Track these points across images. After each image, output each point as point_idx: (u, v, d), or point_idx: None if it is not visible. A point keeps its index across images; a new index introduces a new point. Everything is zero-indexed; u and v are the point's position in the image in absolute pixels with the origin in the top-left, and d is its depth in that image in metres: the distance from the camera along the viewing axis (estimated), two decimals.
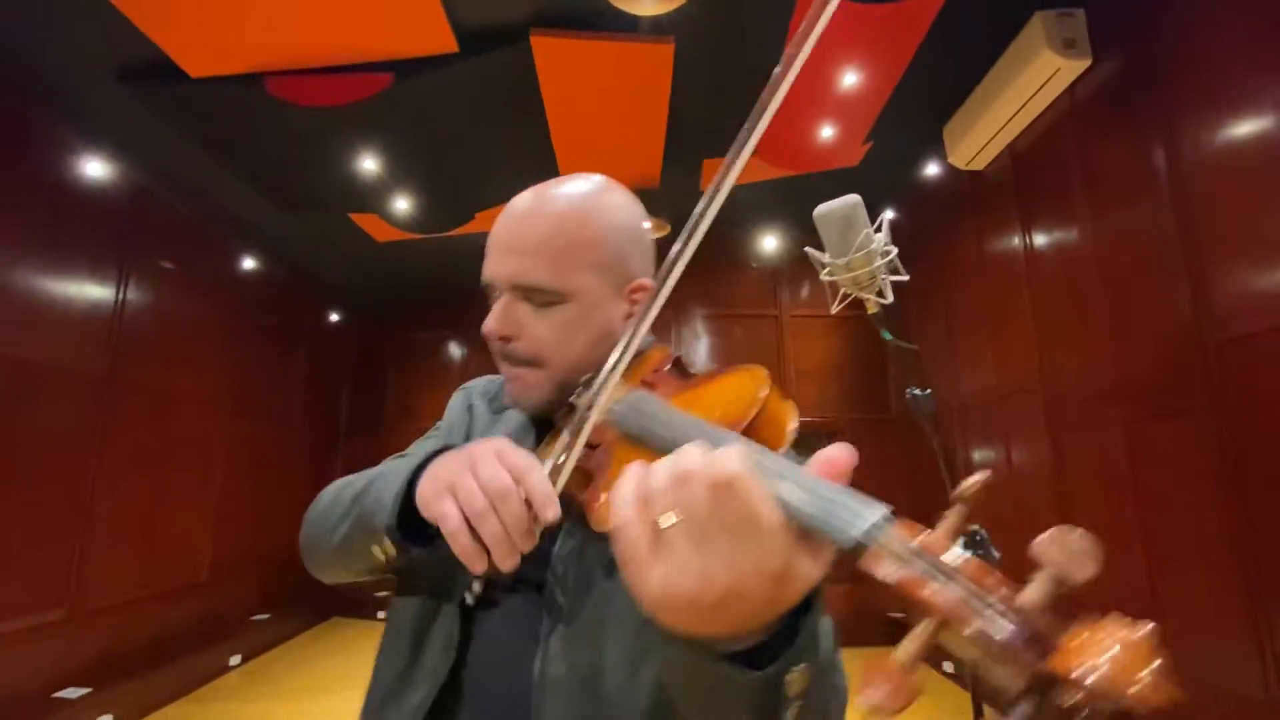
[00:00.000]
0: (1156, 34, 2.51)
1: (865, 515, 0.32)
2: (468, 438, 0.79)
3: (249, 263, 4.67)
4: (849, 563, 0.31)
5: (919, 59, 3.07)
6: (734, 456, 0.34)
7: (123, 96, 2.95)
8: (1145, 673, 0.24)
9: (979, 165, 3.73)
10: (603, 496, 0.51)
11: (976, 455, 3.99)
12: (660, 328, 5.45)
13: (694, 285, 5.49)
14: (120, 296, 3.43)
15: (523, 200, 0.68)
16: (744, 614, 0.34)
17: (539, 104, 3.17)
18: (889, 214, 0.95)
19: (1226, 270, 2.24)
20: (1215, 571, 2.25)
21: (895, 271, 0.89)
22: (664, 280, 0.52)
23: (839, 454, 0.35)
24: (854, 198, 0.88)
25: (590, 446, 0.56)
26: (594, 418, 0.52)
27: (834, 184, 4.36)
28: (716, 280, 5.50)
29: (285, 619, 4.95)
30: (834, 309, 0.96)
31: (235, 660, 4.19)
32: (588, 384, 0.60)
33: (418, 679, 0.63)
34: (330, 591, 5.68)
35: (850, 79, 3.12)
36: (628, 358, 0.52)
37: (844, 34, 2.81)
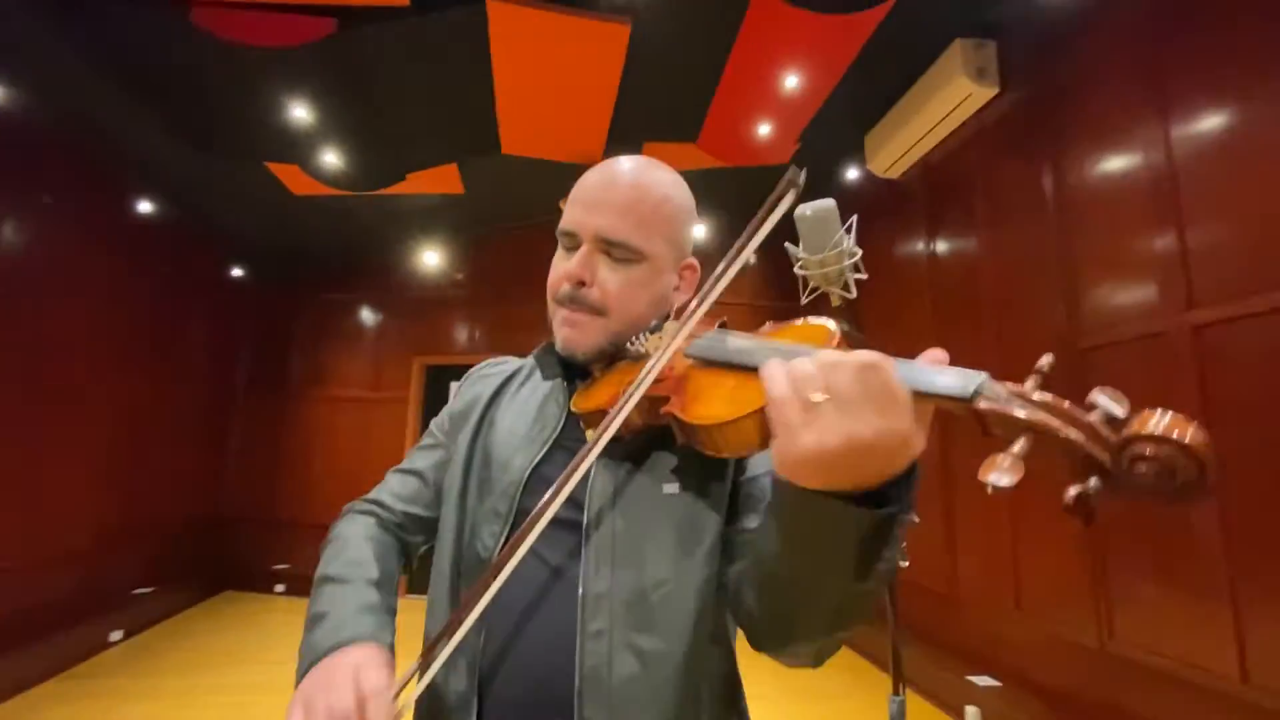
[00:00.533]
0: (1054, 73, 2.84)
1: (973, 376, 0.44)
2: (483, 417, 0.84)
3: (145, 205, 4.24)
4: (968, 411, 0.43)
5: (851, 70, 3.29)
6: (874, 353, 0.45)
7: (25, 13, 2.60)
8: (1191, 427, 0.36)
9: (894, 174, 4.05)
10: (690, 403, 0.60)
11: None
12: None
13: None
14: None
15: (615, 165, 0.77)
16: (871, 468, 0.45)
17: (487, 69, 3.11)
18: (855, 218, 1.09)
19: (1094, 286, 2.62)
20: (1066, 550, 2.65)
21: (858, 270, 1.02)
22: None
23: (939, 352, 0.49)
24: (830, 202, 1.00)
25: (656, 381, 0.63)
26: (674, 347, 0.61)
27: (763, 177, 4.58)
28: None
29: (173, 592, 4.63)
30: (803, 300, 1.09)
31: (116, 636, 3.88)
32: (649, 332, 0.71)
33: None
34: (223, 564, 5.35)
35: (791, 82, 3.29)
36: (713, 297, 0.62)
37: (790, 39, 2.97)
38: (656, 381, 0.64)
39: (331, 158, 3.69)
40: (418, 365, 5.70)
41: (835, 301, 1.04)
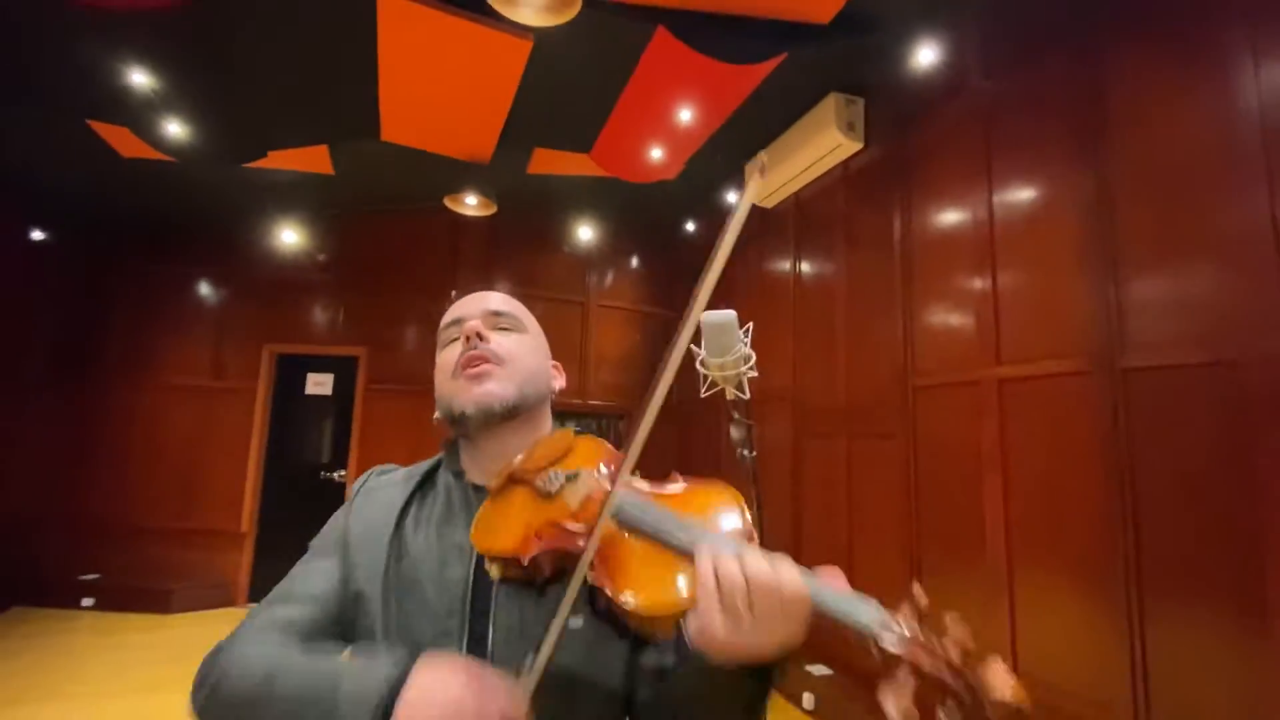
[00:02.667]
0: (909, 136, 3.23)
1: (867, 610, 0.53)
2: (398, 529, 0.76)
3: None
4: (871, 645, 0.51)
5: (739, 109, 3.49)
6: (798, 578, 0.54)
7: None
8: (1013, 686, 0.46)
9: (769, 204, 4.36)
10: (618, 575, 0.61)
11: (735, 434, 4.71)
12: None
13: (506, 261, 5.46)
14: None
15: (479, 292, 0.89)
16: (760, 655, 0.55)
17: (372, 49, 2.91)
18: (751, 325, 1.22)
19: (927, 330, 3.04)
20: (890, 553, 3.08)
21: (753, 370, 1.15)
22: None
23: (836, 571, 0.58)
24: (731, 313, 1.12)
25: (579, 533, 0.65)
26: (603, 520, 0.62)
27: (651, 190, 4.71)
28: (528, 260, 5.54)
29: None
30: (703, 393, 1.21)
31: None
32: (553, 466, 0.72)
33: None
34: (13, 574, 4.56)
35: (684, 114, 3.43)
36: (628, 469, 0.63)
37: (687, 76, 3.09)
38: (580, 534, 0.64)
39: (176, 128, 3.24)
40: (268, 353, 5.19)
41: (730, 395, 1.16)
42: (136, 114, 3.13)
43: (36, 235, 4.67)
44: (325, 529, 0.81)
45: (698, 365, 1.14)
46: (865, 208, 3.59)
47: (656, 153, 3.87)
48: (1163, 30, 2.10)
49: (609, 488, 0.65)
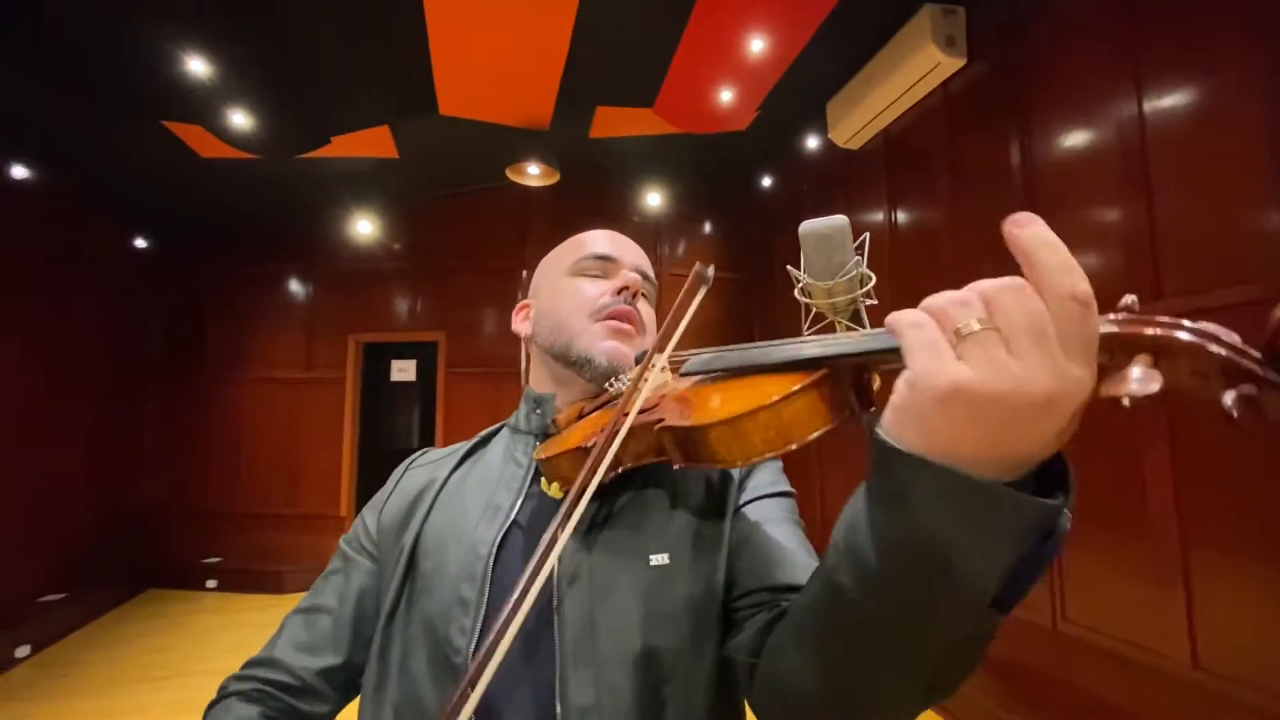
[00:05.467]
0: (1024, 43, 2.74)
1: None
2: (433, 504, 0.71)
3: (20, 169, 3.68)
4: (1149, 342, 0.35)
5: (815, 36, 3.10)
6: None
7: None
8: None
9: (855, 145, 3.92)
10: (697, 411, 0.50)
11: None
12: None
13: (572, 235, 5.29)
14: None
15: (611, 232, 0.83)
16: (1037, 438, 0.32)
17: (420, 19, 2.77)
18: (867, 236, 0.93)
19: None
20: None
21: (871, 298, 0.87)
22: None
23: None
24: (841, 219, 0.84)
25: (644, 409, 0.56)
26: (655, 372, 0.56)
27: (720, 144, 4.38)
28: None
29: (85, 597, 4.24)
30: (805, 330, 0.93)
31: (23, 652, 3.52)
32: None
33: None
34: (145, 561, 4.95)
35: (756, 46, 3.08)
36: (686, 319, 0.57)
37: (758, 5, 2.75)
38: (645, 410, 0.55)
39: (241, 118, 3.25)
40: (354, 343, 5.32)
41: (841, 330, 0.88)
42: (203, 107, 3.16)
43: (139, 244, 4.96)
44: (357, 520, 0.79)
45: (797, 294, 0.87)
46: (972, 136, 3.12)
47: (725, 95, 3.54)
48: None
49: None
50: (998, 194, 2.91)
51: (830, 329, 0.92)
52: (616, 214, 5.39)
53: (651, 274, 0.79)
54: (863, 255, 0.88)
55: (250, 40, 2.76)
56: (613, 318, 0.71)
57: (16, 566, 3.74)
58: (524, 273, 5.22)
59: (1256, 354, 0.33)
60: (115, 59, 2.81)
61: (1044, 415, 0.31)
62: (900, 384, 0.35)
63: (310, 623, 0.69)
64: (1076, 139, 2.51)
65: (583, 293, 0.74)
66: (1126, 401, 0.31)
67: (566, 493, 0.51)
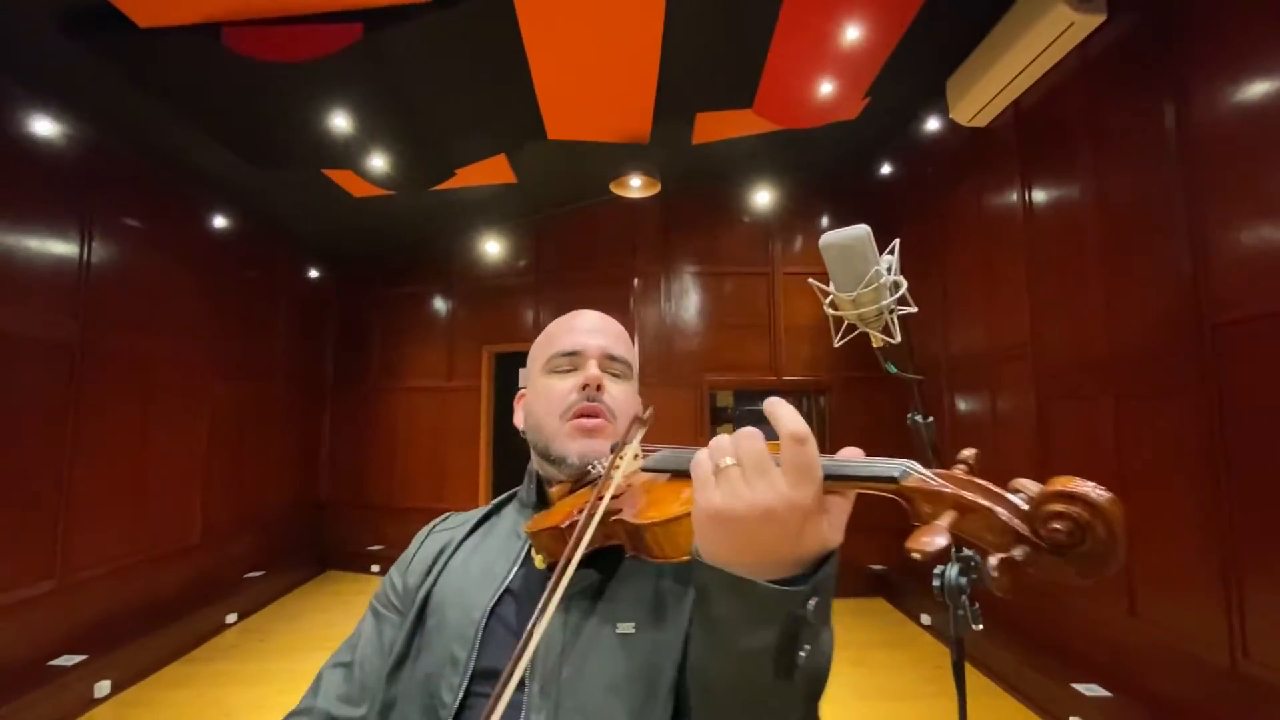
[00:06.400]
0: None
1: (900, 462, 0.44)
2: (446, 565, 0.78)
3: (221, 219, 4.47)
4: (897, 491, 0.43)
5: (925, 9, 2.89)
6: (802, 423, 0.44)
7: (69, 48, 2.71)
8: (1102, 490, 0.36)
9: (981, 122, 3.59)
10: (642, 510, 0.58)
11: (962, 406, 4.01)
12: (650, 284, 5.36)
13: (683, 241, 5.36)
14: (85, 259, 3.27)
15: (581, 312, 0.85)
16: (776, 544, 0.43)
17: (521, 55, 2.97)
18: (898, 242, 0.88)
19: (1230, 245, 2.19)
20: (1188, 548, 2.30)
21: (904, 303, 0.82)
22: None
23: (857, 450, 0.47)
24: (862, 229, 0.80)
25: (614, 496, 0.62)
26: (624, 468, 0.62)
27: (831, 136, 4.20)
28: (707, 235, 5.37)
29: (279, 575, 5.02)
30: (837, 342, 0.91)
31: (232, 619, 4.26)
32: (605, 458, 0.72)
33: None
34: (324, 546, 5.76)
35: (853, 33, 2.94)
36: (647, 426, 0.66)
37: None
38: (616, 496, 0.61)
39: (379, 161, 3.69)
40: (487, 354, 5.78)
41: (876, 343, 0.85)
42: (350, 155, 3.62)
43: (313, 273, 5.78)
44: (384, 582, 0.83)
45: (826, 308, 0.85)
46: (1118, 100, 2.73)
47: (827, 87, 3.40)
48: None
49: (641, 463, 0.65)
50: (1150, 164, 2.53)
51: (869, 343, 0.89)
52: (726, 217, 5.36)
53: (621, 350, 0.80)
54: (892, 261, 0.84)
55: (379, 93, 3.13)
56: (581, 414, 0.74)
57: (229, 549, 4.54)
58: (635, 280, 5.37)
59: (1026, 516, 0.38)
60: (283, 126, 3.33)
61: (771, 524, 0.42)
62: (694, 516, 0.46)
63: (349, 675, 0.75)
64: (1246, 96, 2.11)
65: (553, 391, 0.77)
66: (917, 555, 0.37)
67: (551, 565, 0.60)
